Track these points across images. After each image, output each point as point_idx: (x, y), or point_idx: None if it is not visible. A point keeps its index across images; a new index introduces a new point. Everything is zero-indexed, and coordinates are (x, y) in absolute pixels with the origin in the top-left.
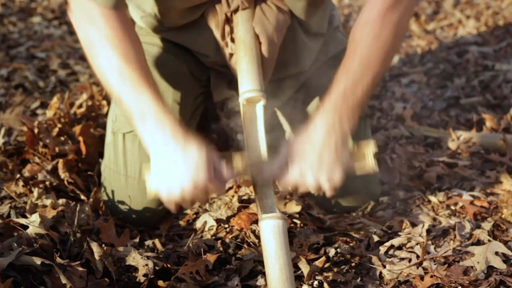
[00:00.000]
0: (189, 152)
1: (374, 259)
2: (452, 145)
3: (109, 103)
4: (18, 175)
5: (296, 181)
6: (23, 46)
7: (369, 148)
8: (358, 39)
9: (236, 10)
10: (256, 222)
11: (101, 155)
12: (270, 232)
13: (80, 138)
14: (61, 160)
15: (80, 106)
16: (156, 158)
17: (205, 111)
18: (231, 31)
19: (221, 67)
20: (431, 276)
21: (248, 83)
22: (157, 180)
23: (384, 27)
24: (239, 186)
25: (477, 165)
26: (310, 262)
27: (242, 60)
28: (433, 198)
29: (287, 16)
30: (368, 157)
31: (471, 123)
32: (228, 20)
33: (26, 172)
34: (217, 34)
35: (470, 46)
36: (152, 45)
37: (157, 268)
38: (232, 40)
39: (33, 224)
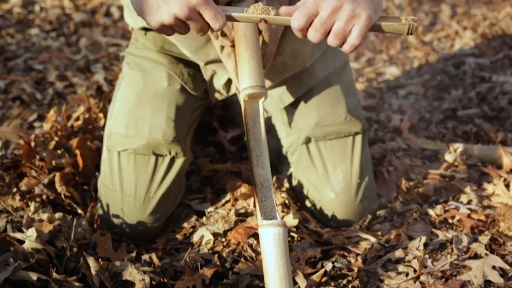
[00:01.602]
0: None
1: (372, 273)
2: (449, 157)
3: (105, 116)
4: (15, 189)
5: (311, 9)
6: (20, 58)
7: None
8: None
9: (229, 2)
10: (253, 235)
11: (98, 168)
12: (271, 241)
13: (77, 151)
14: (58, 174)
15: (77, 118)
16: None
17: (202, 123)
18: None
19: (215, 63)
20: None
21: (250, 79)
22: (143, 10)
23: None
24: (236, 199)
25: (474, 177)
26: (307, 276)
27: (244, 54)
28: (430, 211)
29: None
30: (403, 19)
31: (468, 135)
32: None
33: (22, 186)
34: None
35: (467, 57)
36: (146, 59)
37: (153, 283)
38: (223, 33)
39: (29, 238)
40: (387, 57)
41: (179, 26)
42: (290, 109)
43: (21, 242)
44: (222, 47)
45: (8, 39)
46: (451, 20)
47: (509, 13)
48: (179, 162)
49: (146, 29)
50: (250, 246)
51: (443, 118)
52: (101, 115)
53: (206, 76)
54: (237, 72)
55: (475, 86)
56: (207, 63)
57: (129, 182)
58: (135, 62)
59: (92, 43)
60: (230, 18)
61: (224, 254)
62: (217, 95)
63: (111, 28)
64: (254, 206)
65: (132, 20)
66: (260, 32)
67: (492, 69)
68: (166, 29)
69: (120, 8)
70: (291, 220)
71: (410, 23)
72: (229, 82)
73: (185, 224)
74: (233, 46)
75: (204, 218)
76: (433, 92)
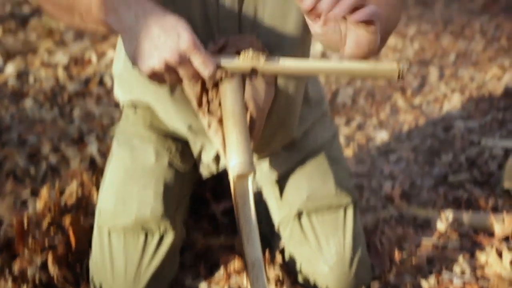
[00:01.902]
0: (165, 18)
1: None
2: (441, 226)
3: (98, 192)
4: (7, 270)
5: None
6: (14, 131)
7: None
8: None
9: (216, 83)
10: None
11: (91, 245)
12: None
13: (70, 230)
14: (50, 255)
15: (71, 194)
16: (126, 36)
17: (194, 195)
18: (208, 102)
19: (204, 136)
20: None
21: (238, 157)
22: (134, 56)
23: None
24: (229, 275)
25: (466, 246)
26: None
27: (232, 132)
28: (424, 283)
29: (273, 88)
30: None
31: (459, 201)
32: (206, 90)
33: (15, 267)
34: (193, 101)
35: (456, 120)
36: (135, 136)
37: None
38: (209, 111)
39: None
40: (377, 121)
41: (170, 72)
42: (281, 182)
43: None
44: (209, 124)
45: (3, 112)
46: (439, 81)
47: (496, 75)
48: (169, 238)
49: (135, 105)
50: None
51: (434, 183)
52: (94, 190)
53: (195, 151)
54: (225, 149)
55: (465, 150)
56: (192, 130)
57: (119, 261)
58: (124, 139)
59: (85, 113)
60: (219, 67)
61: None
62: (207, 171)
63: (104, 98)
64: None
65: (122, 93)
66: (247, 109)
67: (481, 132)
68: (157, 76)
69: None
70: None
71: (400, 68)
72: (218, 156)
73: None
74: (220, 122)
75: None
76: (423, 157)
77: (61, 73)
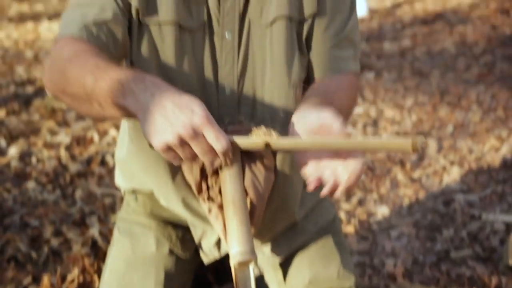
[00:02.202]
0: (180, 96)
1: None
2: None
3: (100, 277)
4: None
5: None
6: (17, 214)
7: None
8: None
9: (216, 170)
10: None
11: None
12: None
13: None
14: None
15: (72, 281)
16: (143, 114)
17: (196, 277)
18: (208, 188)
19: (205, 222)
20: None
21: (239, 245)
22: (149, 132)
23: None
24: None
25: None
26: None
27: (232, 219)
28: None
29: (273, 173)
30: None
31: (462, 279)
32: (206, 177)
33: None
34: (193, 187)
35: (456, 194)
36: (135, 223)
37: None
38: (209, 197)
39: None
40: (378, 196)
41: (184, 147)
42: (283, 266)
43: None
44: (210, 210)
45: (5, 195)
46: (438, 154)
47: (494, 146)
48: None
49: (136, 192)
50: None
51: (437, 260)
52: (96, 277)
53: (196, 237)
54: (226, 234)
55: (466, 225)
56: (193, 215)
57: None
58: (125, 227)
59: (87, 194)
60: (233, 144)
61: None
62: (208, 257)
63: (106, 177)
64: None
65: (123, 180)
66: (247, 195)
67: (481, 206)
68: (171, 152)
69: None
70: None
71: (413, 139)
72: (220, 241)
73: None
74: (221, 207)
75: None
76: (425, 232)
77: (63, 153)
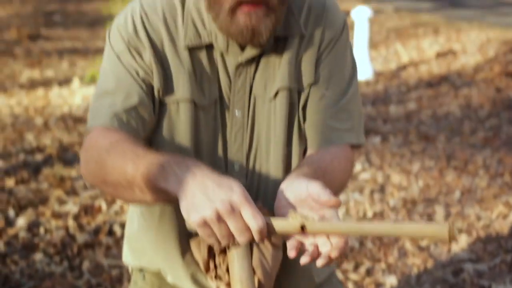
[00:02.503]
0: (220, 177)
1: None
2: None
3: None
4: None
5: None
6: (24, 287)
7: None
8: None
9: (224, 248)
10: None
11: None
12: None
13: None
14: None
15: None
16: (183, 191)
17: None
18: (216, 267)
19: None
20: None
21: None
22: (188, 208)
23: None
24: None
25: None
26: None
27: None
28: None
29: (281, 252)
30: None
31: None
32: (214, 256)
33: None
34: (201, 265)
35: (465, 263)
36: None
37: None
38: (217, 276)
39: None
40: (386, 265)
41: (220, 224)
42: None
43: None
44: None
45: (13, 267)
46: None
47: (502, 213)
48: None
49: (144, 270)
50: None
51: None
52: None
53: None
54: None
55: None
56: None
57: None
58: None
59: (95, 265)
60: (269, 227)
61: None
62: None
63: (114, 248)
64: None
65: (131, 257)
66: (255, 273)
67: (490, 276)
68: (207, 229)
69: (122, 226)
70: None
71: (449, 226)
72: None
73: None
74: (229, 286)
75: None
76: None
77: (71, 223)
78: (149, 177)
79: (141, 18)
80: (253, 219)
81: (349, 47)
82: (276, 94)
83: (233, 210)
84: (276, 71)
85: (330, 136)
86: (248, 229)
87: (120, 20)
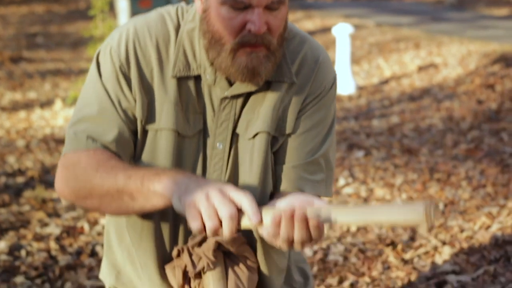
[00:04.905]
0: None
1: None
2: None
3: None
4: None
5: None
6: None
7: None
8: None
9: (199, 272)
10: None
11: None
12: None
13: None
14: None
15: None
16: (178, 187)
17: None
18: None
19: None
20: None
21: None
22: (180, 195)
23: None
24: None
25: None
26: None
27: None
28: None
29: (256, 274)
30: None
31: None
32: (189, 280)
33: None
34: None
35: (448, 275)
36: None
37: None
38: None
39: None
40: (370, 279)
41: (208, 202)
42: None
43: None
44: None
45: None
46: (429, 233)
47: (485, 224)
48: None
49: None
50: None
51: None
52: None
53: None
54: None
55: None
56: None
57: None
58: None
59: (77, 287)
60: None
61: None
62: None
63: (96, 269)
64: None
65: (108, 274)
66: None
67: (474, 287)
68: (194, 210)
69: None
70: None
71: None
72: None
73: None
74: None
75: None
76: None
77: (53, 245)
78: (143, 182)
79: (134, 44)
80: (243, 198)
81: (334, 103)
82: (256, 135)
83: (223, 194)
84: (259, 113)
85: (303, 186)
86: (236, 211)
87: (113, 42)
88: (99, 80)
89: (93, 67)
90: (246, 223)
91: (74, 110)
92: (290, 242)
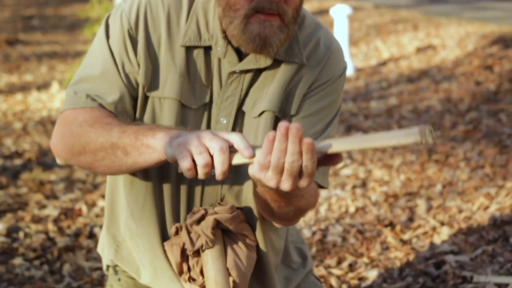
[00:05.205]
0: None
1: None
2: None
3: None
4: None
5: None
6: None
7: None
8: None
9: (197, 250)
10: None
11: None
12: None
13: None
14: None
15: None
16: (172, 138)
17: None
18: (189, 269)
19: None
20: None
21: None
22: (172, 141)
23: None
24: None
25: None
26: None
27: None
28: None
29: (255, 252)
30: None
31: None
32: (187, 258)
33: None
34: (175, 268)
35: (447, 255)
36: None
37: None
38: (190, 278)
39: None
40: (368, 260)
41: (199, 142)
42: None
43: None
44: None
45: None
46: (428, 214)
47: (483, 204)
48: None
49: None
50: None
51: None
52: None
53: None
54: None
55: None
56: None
57: None
58: None
59: (75, 268)
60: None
61: None
62: None
63: (94, 251)
64: None
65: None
66: (230, 274)
67: (472, 267)
68: (185, 149)
69: None
70: None
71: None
72: None
73: None
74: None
75: None
76: None
77: (51, 227)
78: (137, 136)
79: (145, 10)
80: (234, 135)
81: (340, 94)
82: (262, 113)
83: (214, 133)
84: (267, 91)
85: None
86: (227, 145)
87: (125, 6)
88: (106, 42)
89: (101, 29)
90: (238, 159)
91: (77, 70)
92: (280, 172)
